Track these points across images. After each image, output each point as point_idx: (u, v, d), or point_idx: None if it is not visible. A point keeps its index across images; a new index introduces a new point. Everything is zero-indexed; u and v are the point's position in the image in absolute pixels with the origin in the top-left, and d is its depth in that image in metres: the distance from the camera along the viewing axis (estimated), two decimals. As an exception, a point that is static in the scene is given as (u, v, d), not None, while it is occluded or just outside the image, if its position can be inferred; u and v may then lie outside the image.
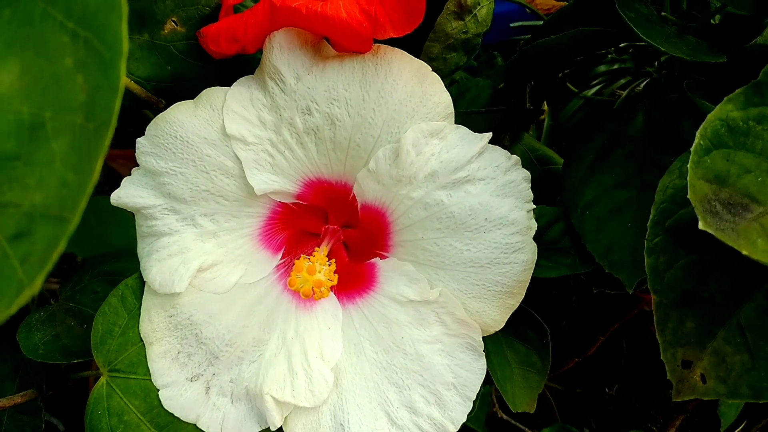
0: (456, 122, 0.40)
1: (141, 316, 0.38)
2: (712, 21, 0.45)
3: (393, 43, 0.38)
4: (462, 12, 0.42)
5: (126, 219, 0.42)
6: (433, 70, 0.40)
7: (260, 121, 0.39)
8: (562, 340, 0.69)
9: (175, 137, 0.39)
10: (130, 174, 0.41)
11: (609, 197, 0.43)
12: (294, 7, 0.36)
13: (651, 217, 0.33)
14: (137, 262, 0.41)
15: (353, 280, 0.41)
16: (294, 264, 0.40)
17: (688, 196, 0.28)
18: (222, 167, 0.39)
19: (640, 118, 0.44)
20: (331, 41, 0.38)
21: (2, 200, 0.17)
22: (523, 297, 0.39)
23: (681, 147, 0.41)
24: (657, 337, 0.32)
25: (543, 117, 0.76)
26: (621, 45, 0.51)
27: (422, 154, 0.37)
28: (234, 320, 0.38)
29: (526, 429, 0.67)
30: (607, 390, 0.81)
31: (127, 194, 0.39)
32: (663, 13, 0.41)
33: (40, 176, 0.17)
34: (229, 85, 0.40)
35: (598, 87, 0.71)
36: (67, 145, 0.17)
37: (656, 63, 0.55)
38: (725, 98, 0.31)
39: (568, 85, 0.68)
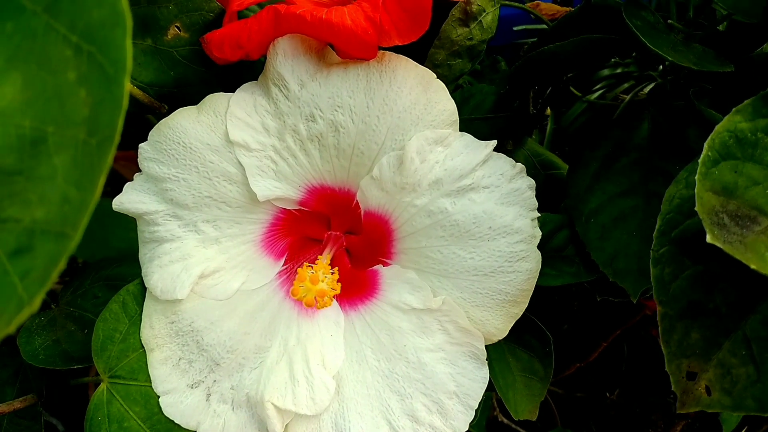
0: (460, 128, 0.39)
1: (142, 323, 0.37)
2: (718, 28, 0.44)
3: (397, 49, 0.37)
4: (467, 19, 0.42)
5: (127, 221, 0.42)
6: (437, 77, 0.40)
7: (264, 127, 0.38)
8: (564, 344, 0.69)
9: (178, 143, 0.39)
10: (132, 175, 0.40)
11: (614, 205, 0.42)
12: (298, 14, 0.36)
13: (657, 227, 0.33)
14: (139, 267, 0.41)
15: (356, 287, 0.41)
16: (296, 271, 0.40)
17: (695, 209, 0.28)
18: (225, 173, 0.39)
19: (646, 125, 0.44)
20: (336, 48, 0.38)
21: (3, 215, 0.16)
22: (526, 306, 0.39)
23: (687, 155, 0.41)
24: (662, 348, 0.32)
25: (546, 121, 0.76)
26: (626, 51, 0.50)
27: (426, 161, 0.37)
28: (235, 327, 0.38)
29: (527, 434, 0.67)
30: (608, 394, 0.81)
31: (129, 200, 0.39)
32: (669, 21, 0.41)
33: (41, 192, 0.17)
34: (233, 91, 0.40)
35: (601, 91, 0.71)
36: (69, 161, 0.17)
37: (660, 67, 0.54)
38: (733, 109, 0.30)
39: (572, 89, 0.67)
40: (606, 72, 0.67)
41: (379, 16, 0.35)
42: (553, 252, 0.43)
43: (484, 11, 0.43)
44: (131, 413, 0.35)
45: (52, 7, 0.18)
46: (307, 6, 0.41)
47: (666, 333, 0.31)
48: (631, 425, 0.79)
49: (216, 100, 0.39)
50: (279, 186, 0.39)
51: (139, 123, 0.50)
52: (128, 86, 0.16)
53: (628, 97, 0.66)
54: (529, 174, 0.61)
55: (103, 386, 0.35)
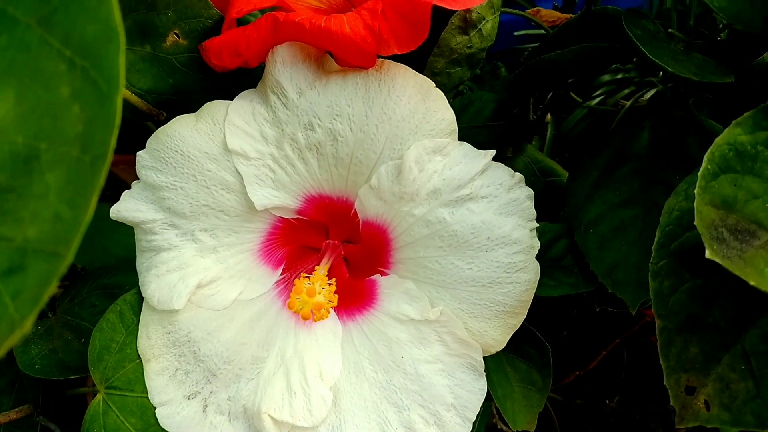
0: (459, 136, 0.39)
1: (139, 333, 0.37)
2: (719, 37, 0.44)
3: (396, 58, 0.37)
4: (467, 27, 0.42)
5: (127, 227, 0.42)
6: (437, 85, 0.40)
7: (262, 135, 0.38)
8: (563, 352, 0.69)
9: (176, 151, 0.38)
10: (131, 179, 0.40)
11: (613, 215, 0.42)
12: (297, 22, 0.36)
13: (656, 239, 0.33)
14: (136, 276, 0.41)
15: (353, 297, 0.41)
16: (294, 282, 0.40)
17: (695, 223, 0.28)
18: (223, 182, 0.39)
19: (646, 134, 0.43)
20: (335, 56, 0.38)
21: (-5, 235, 0.16)
22: (525, 317, 0.38)
23: (687, 165, 0.41)
24: (661, 361, 0.32)
25: (546, 127, 0.76)
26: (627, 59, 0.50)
27: (425, 171, 0.37)
28: (232, 337, 0.38)
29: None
30: (607, 402, 0.80)
31: (126, 208, 0.39)
32: (670, 30, 0.41)
33: (34, 209, 0.17)
34: (231, 98, 0.40)
35: (601, 97, 0.71)
36: (62, 178, 0.17)
37: (661, 74, 0.54)
38: (733, 122, 0.30)
39: (572, 94, 0.67)
40: (606, 77, 0.67)
41: (378, 24, 0.35)
42: (551, 262, 0.43)
43: (484, 19, 0.43)
44: (127, 424, 0.35)
45: (46, 21, 0.18)
46: (306, 13, 0.41)
47: (665, 347, 0.31)
48: (631, 432, 0.79)
49: (214, 108, 0.39)
50: (277, 195, 0.39)
51: (139, 129, 0.50)
52: (121, 105, 0.15)
53: (628, 103, 0.66)
54: (528, 181, 0.61)
55: (99, 397, 0.35)
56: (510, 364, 0.44)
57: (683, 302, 0.32)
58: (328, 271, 0.40)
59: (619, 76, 0.65)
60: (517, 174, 0.38)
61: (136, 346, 0.37)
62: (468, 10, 0.42)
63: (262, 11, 0.41)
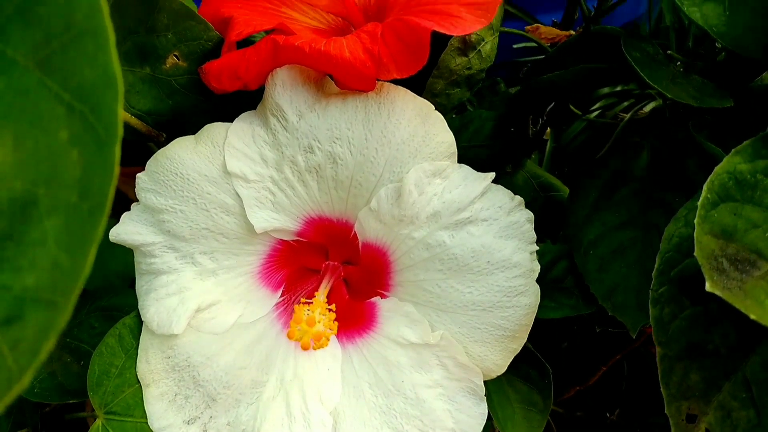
0: (459, 153, 0.39)
1: (138, 357, 0.37)
2: (718, 58, 0.44)
3: (396, 80, 0.37)
4: (466, 48, 0.42)
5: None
6: (436, 106, 0.40)
7: (262, 158, 0.38)
8: (563, 366, 0.68)
9: (176, 174, 0.38)
10: (131, 192, 0.40)
11: (612, 236, 0.42)
12: (297, 46, 0.36)
13: (656, 266, 0.33)
14: (135, 297, 0.40)
15: (353, 319, 0.41)
16: (293, 307, 0.40)
17: (695, 254, 0.27)
18: (222, 205, 0.39)
19: (645, 155, 0.43)
20: (335, 78, 0.38)
21: (-7, 283, 0.16)
22: (525, 340, 0.38)
23: (686, 187, 0.41)
24: (661, 389, 0.32)
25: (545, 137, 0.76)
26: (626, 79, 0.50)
27: (424, 193, 0.37)
28: (232, 361, 0.37)
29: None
30: (608, 414, 0.80)
31: (126, 231, 0.39)
32: (669, 52, 0.41)
33: (32, 257, 0.17)
34: (231, 120, 0.40)
35: (601, 110, 0.71)
36: (60, 224, 0.17)
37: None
38: (732, 150, 0.30)
39: (571, 107, 0.67)
40: (606, 90, 0.67)
41: (378, 48, 0.35)
42: (552, 283, 0.43)
43: (483, 40, 0.43)
44: (126, 449, 0.35)
45: (45, 64, 0.17)
46: (306, 35, 0.41)
47: (665, 374, 0.31)
48: (631, 446, 0.79)
49: (214, 130, 0.39)
50: (277, 217, 0.39)
51: (140, 149, 0.50)
52: (119, 153, 0.15)
53: (627, 116, 0.66)
54: (528, 196, 0.61)
55: (98, 422, 0.35)
56: (511, 386, 0.44)
57: (683, 329, 0.32)
58: (328, 294, 0.40)
59: (619, 88, 0.65)
60: (517, 197, 0.38)
61: (136, 371, 0.37)
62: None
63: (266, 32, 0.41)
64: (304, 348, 0.35)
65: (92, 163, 0.16)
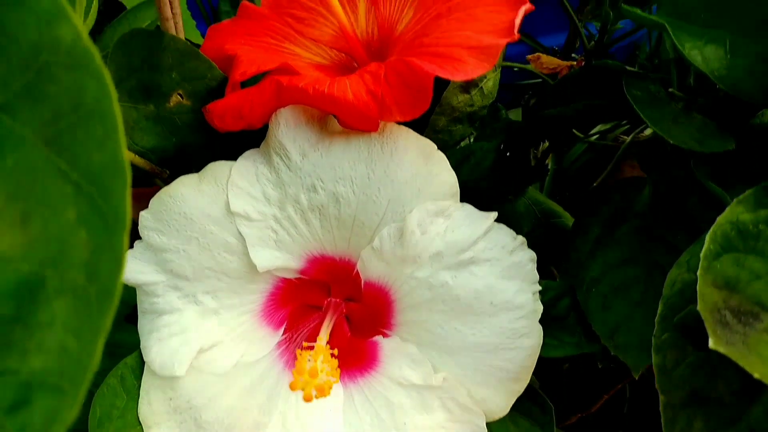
0: (460, 186, 0.39)
1: (140, 398, 0.37)
2: (719, 94, 0.44)
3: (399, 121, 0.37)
4: (468, 86, 0.42)
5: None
6: (438, 142, 0.40)
7: (265, 197, 0.38)
8: (565, 392, 0.68)
9: (179, 213, 0.38)
10: (135, 212, 0.40)
11: (615, 274, 0.42)
12: (301, 87, 0.36)
13: (659, 312, 0.33)
14: (137, 333, 0.40)
15: (355, 358, 0.41)
16: (295, 343, 0.40)
17: (697, 308, 0.27)
18: (225, 244, 0.39)
19: (647, 192, 0.44)
20: (338, 118, 0.38)
21: (0, 368, 0.16)
22: (528, 381, 0.38)
23: (689, 225, 0.41)
24: (665, 438, 0.32)
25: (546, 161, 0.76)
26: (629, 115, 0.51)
27: (427, 233, 0.37)
28: (233, 403, 0.37)
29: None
30: (609, 438, 0.80)
31: (128, 269, 0.39)
32: (670, 89, 0.41)
33: (39, 339, 0.17)
34: (235, 156, 0.40)
35: (599, 134, 0.71)
36: (68, 307, 0.17)
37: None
38: (735, 200, 0.30)
39: (573, 129, 0.67)
40: (606, 112, 0.67)
41: (381, 90, 0.35)
42: (554, 321, 0.43)
43: (485, 77, 0.43)
44: (127, 493, 0.35)
45: (53, 142, 0.18)
46: (309, 73, 0.41)
47: (669, 423, 0.31)
48: (633, 470, 0.78)
49: (217, 168, 0.39)
50: (279, 256, 0.39)
51: (146, 180, 0.50)
52: (127, 243, 0.15)
53: (629, 139, 0.67)
54: (530, 224, 0.61)
55: (99, 465, 0.35)
56: (513, 422, 0.43)
57: (687, 377, 0.32)
58: (330, 333, 0.40)
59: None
60: (519, 237, 0.38)
61: (137, 413, 0.37)
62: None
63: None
64: (307, 400, 0.35)
65: (100, 246, 0.16)
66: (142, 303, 0.40)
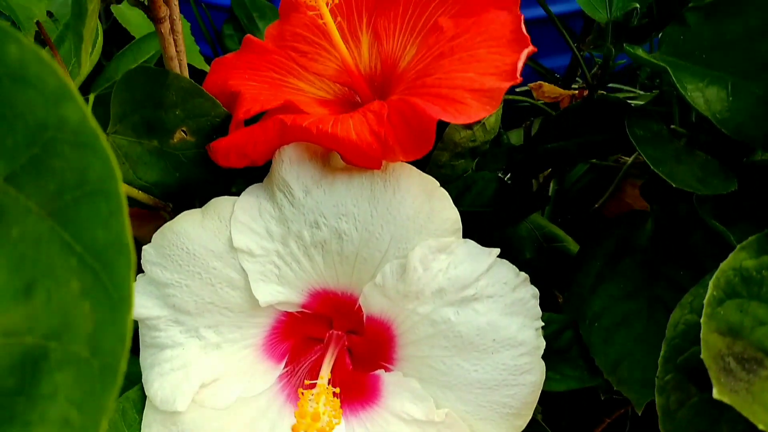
0: (462, 219, 0.39)
1: (141, 434, 0.37)
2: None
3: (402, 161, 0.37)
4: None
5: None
6: (441, 176, 0.40)
7: (268, 232, 0.38)
8: (567, 415, 0.68)
9: (182, 249, 0.39)
10: (136, 231, 0.40)
11: (617, 308, 0.42)
12: (305, 127, 0.36)
13: (662, 353, 0.33)
14: (138, 365, 0.41)
15: (356, 391, 0.41)
16: (297, 376, 0.40)
17: (701, 356, 0.27)
18: (228, 279, 0.39)
19: (649, 226, 0.44)
20: (341, 155, 0.38)
21: (3, 442, 0.16)
22: (530, 417, 0.38)
23: (691, 261, 0.41)
24: (668, 482, 0.31)
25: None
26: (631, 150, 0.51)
27: (430, 269, 0.37)
28: (235, 439, 0.37)
29: None
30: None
31: (131, 305, 0.39)
32: (672, 126, 0.41)
33: (42, 411, 0.17)
34: (237, 192, 0.40)
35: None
36: (71, 379, 0.17)
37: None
38: (738, 246, 0.30)
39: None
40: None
41: (384, 131, 0.35)
42: (556, 354, 0.43)
43: (488, 112, 0.43)
44: None
45: (58, 214, 0.18)
46: (313, 109, 0.41)
47: (672, 467, 0.31)
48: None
49: (221, 204, 0.39)
50: (281, 291, 0.39)
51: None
52: (131, 324, 0.16)
53: (630, 160, 0.67)
54: (532, 248, 0.61)
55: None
56: (514, 456, 0.43)
57: (690, 418, 0.32)
58: (332, 368, 0.40)
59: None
60: (522, 273, 0.38)
61: (139, 450, 0.37)
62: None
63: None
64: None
65: (104, 321, 0.17)
66: (144, 337, 0.40)
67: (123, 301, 0.16)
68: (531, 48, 0.34)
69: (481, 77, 0.34)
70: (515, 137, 0.75)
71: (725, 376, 0.28)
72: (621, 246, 0.44)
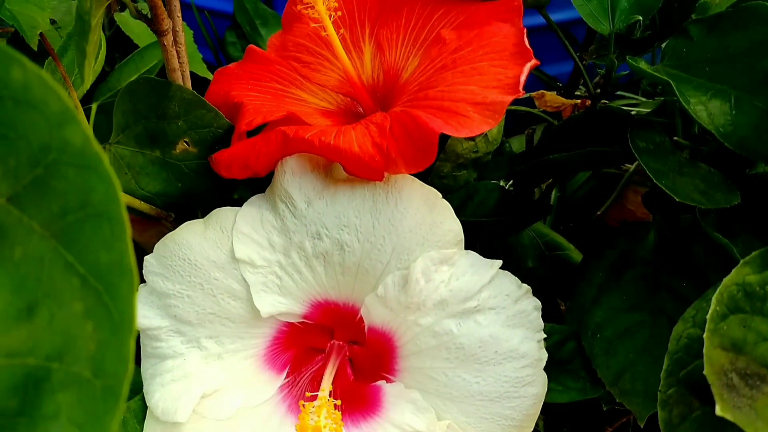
0: (464, 228, 0.39)
1: (142, 446, 0.37)
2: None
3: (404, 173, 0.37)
4: (473, 132, 0.42)
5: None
6: (443, 187, 0.40)
7: (270, 243, 0.39)
8: (569, 422, 0.68)
9: (184, 260, 0.39)
10: (135, 235, 0.40)
11: (619, 320, 0.42)
12: (307, 139, 0.36)
13: (664, 367, 0.33)
14: (139, 375, 0.41)
15: (358, 402, 0.41)
16: (298, 386, 0.40)
17: (704, 372, 0.27)
18: (229, 290, 0.39)
19: (652, 237, 0.43)
20: (343, 166, 0.38)
21: (5, 464, 0.16)
22: (532, 429, 0.38)
23: (694, 272, 0.41)
24: (671, 497, 0.31)
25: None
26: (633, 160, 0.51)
27: (432, 281, 0.37)
28: (236, 450, 0.37)
29: None
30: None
31: (133, 316, 0.39)
32: (675, 138, 0.41)
33: (44, 431, 0.17)
34: (239, 201, 0.40)
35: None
36: (73, 399, 0.17)
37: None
38: (741, 261, 0.30)
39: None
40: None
41: (387, 143, 0.35)
42: (559, 365, 0.43)
43: (490, 122, 0.43)
44: None
45: (61, 235, 0.18)
46: (315, 120, 0.41)
47: (675, 482, 0.31)
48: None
49: (222, 215, 0.39)
50: (283, 301, 0.39)
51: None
52: (134, 348, 0.16)
53: (632, 167, 0.67)
54: (534, 256, 0.61)
55: None
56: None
57: (693, 432, 0.32)
58: (333, 379, 0.39)
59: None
60: (524, 285, 0.38)
61: (139, 461, 0.37)
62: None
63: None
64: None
65: (106, 342, 0.17)
66: (146, 347, 0.40)
67: (125, 323, 0.16)
68: (534, 61, 0.34)
69: (483, 90, 0.34)
70: (517, 144, 0.75)
71: (728, 392, 0.27)
72: (623, 257, 0.44)
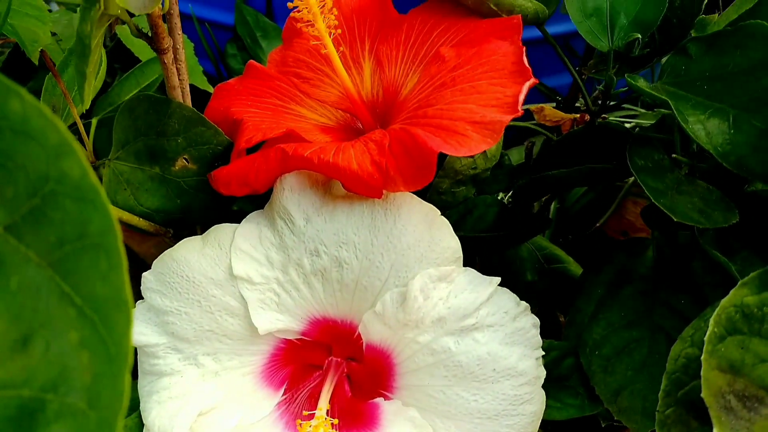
0: (462, 243, 0.39)
1: (139, 465, 0.37)
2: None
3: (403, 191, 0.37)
4: (472, 148, 0.42)
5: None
6: (441, 203, 0.40)
7: (268, 260, 0.39)
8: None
9: (182, 276, 0.39)
10: (131, 243, 0.40)
11: (618, 337, 0.42)
12: (306, 156, 0.36)
13: (662, 387, 0.33)
14: (136, 391, 0.40)
15: (355, 419, 0.40)
16: (296, 403, 0.40)
17: (702, 395, 0.27)
18: (227, 307, 0.39)
19: (650, 254, 0.43)
20: (342, 183, 0.38)
21: (-1, 497, 0.16)
22: (530, 447, 0.38)
23: (693, 290, 0.41)
24: None
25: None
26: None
27: (430, 298, 0.37)
28: (234, 469, 0.37)
29: None
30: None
31: (131, 332, 0.39)
32: (674, 155, 0.41)
33: (39, 464, 0.17)
34: (238, 218, 0.40)
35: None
36: (68, 430, 0.17)
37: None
38: (740, 282, 0.30)
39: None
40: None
41: (386, 161, 0.35)
42: (557, 381, 0.43)
43: (489, 138, 0.43)
44: None
45: (58, 265, 0.18)
46: (315, 136, 0.41)
47: (674, 504, 0.31)
48: None
49: (221, 232, 0.39)
50: (281, 318, 0.39)
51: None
52: (129, 381, 0.16)
53: (631, 180, 0.67)
54: (533, 269, 0.61)
55: None
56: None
57: (691, 454, 0.32)
58: (331, 397, 0.39)
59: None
60: (522, 302, 0.38)
61: (136, 480, 0.36)
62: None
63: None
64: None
65: (102, 374, 0.17)
66: (143, 364, 0.40)
67: (121, 356, 0.16)
68: (533, 80, 0.34)
69: (482, 109, 0.34)
70: (516, 155, 0.75)
71: (726, 414, 0.27)
72: (622, 274, 0.44)
